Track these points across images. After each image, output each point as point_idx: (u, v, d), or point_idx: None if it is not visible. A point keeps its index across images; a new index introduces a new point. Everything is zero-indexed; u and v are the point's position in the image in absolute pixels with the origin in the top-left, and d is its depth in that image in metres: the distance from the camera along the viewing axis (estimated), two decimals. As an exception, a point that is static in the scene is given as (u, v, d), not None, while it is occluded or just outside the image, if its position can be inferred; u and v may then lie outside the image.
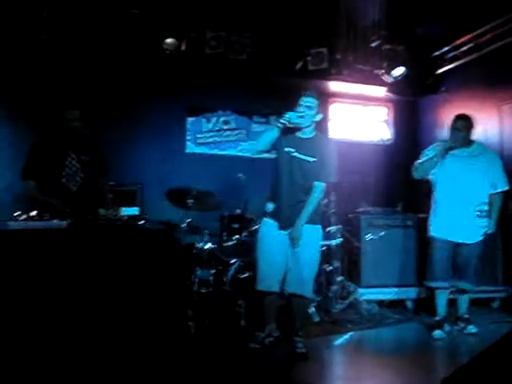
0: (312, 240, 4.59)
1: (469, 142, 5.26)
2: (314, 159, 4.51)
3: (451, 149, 5.21)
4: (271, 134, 4.52)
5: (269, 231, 4.64)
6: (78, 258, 3.62)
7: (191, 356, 4.40)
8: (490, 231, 5.25)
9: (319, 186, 4.53)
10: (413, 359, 4.60)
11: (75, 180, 4.99)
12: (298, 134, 4.59)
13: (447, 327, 5.29)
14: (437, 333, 5.19)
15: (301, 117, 4.46)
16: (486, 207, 5.20)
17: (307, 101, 4.51)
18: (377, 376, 4.22)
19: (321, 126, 7.86)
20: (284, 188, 4.57)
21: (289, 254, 4.55)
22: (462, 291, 5.39)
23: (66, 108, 5.00)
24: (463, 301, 5.43)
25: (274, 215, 4.64)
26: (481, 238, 5.23)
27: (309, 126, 4.57)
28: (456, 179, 5.18)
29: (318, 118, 4.60)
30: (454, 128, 5.21)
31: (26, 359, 3.46)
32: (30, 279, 3.53)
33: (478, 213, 5.16)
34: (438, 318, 5.33)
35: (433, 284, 5.33)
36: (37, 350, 3.51)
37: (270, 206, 4.67)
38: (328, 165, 4.56)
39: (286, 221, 4.55)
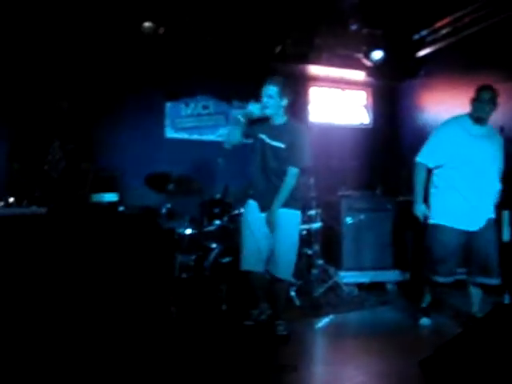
0: (290, 225, 4.62)
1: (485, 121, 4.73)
2: (284, 145, 4.54)
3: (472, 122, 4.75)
4: (237, 128, 4.60)
5: (252, 212, 4.69)
6: (58, 243, 3.60)
7: (172, 340, 4.41)
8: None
9: (292, 171, 4.55)
10: (393, 341, 4.64)
11: (57, 168, 4.96)
12: (270, 121, 4.65)
13: (432, 315, 5.03)
14: (424, 320, 5.00)
15: (264, 107, 4.52)
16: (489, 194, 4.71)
17: (268, 89, 4.55)
18: (357, 358, 4.26)
19: (300, 109, 7.94)
20: (259, 174, 4.65)
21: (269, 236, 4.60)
22: (484, 286, 4.75)
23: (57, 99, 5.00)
24: (478, 296, 4.81)
25: (254, 198, 4.70)
26: (488, 221, 4.69)
27: (277, 113, 4.61)
28: (473, 161, 4.64)
29: (284, 103, 4.61)
30: (482, 100, 4.65)
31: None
32: (8, 265, 3.51)
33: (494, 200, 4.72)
34: (424, 305, 5.07)
35: (440, 279, 4.77)
36: (21, 332, 3.50)
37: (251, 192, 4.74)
38: (298, 150, 4.57)
39: (264, 205, 4.61)
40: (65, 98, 5.04)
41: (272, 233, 4.54)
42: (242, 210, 4.94)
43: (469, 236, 4.68)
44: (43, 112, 5.04)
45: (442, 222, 4.75)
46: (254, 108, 4.52)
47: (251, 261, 4.61)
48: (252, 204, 4.71)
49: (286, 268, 4.62)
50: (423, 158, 4.89)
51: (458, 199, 4.69)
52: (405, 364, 3.90)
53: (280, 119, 4.64)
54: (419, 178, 4.88)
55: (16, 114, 6.09)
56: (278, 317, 4.73)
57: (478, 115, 4.68)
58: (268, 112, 4.55)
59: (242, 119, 4.56)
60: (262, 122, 4.64)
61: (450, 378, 2.72)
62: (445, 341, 3.08)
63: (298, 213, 4.71)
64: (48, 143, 4.95)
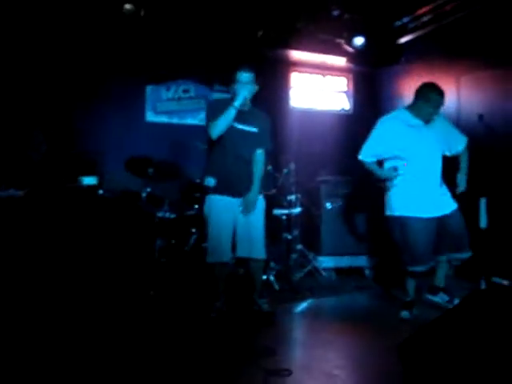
0: (261, 208, 4.77)
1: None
2: (256, 129, 4.66)
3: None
4: (230, 115, 4.47)
5: (215, 207, 4.65)
6: (36, 226, 3.58)
7: (152, 326, 4.42)
8: (462, 190, 4.86)
9: (263, 154, 4.73)
10: (370, 326, 4.70)
11: (39, 151, 4.94)
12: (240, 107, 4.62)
13: (415, 311, 4.90)
14: (404, 313, 4.86)
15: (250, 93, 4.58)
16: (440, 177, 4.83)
17: (246, 76, 4.56)
18: (335, 342, 4.31)
19: (282, 94, 7.95)
20: (230, 161, 4.60)
21: (237, 222, 4.67)
22: (458, 260, 4.98)
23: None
24: (444, 271, 5.06)
25: (221, 189, 4.64)
26: (456, 205, 4.84)
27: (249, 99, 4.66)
28: (416, 151, 4.73)
29: (255, 89, 4.66)
30: (431, 102, 4.68)
31: None
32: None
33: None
34: (408, 299, 4.95)
35: (418, 269, 4.76)
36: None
37: (212, 181, 4.66)
38: (267, 133, 4.76)
39: (237, 191, 4.63)
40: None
41: (248, 213, 4.63)
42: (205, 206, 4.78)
43: (438, 221, 4.74)
44: (24, 98, 4.99)
45: (407, 214, 4.74)
46: (246, 93, 4.49)
47: (220, 253, 4.63)
48: (213, 198, 4.67)
49: (262, 248, 4.73)
50: (363, 155, 5.00)
51: (415, 189, 4.73)
52: (382, 348, 3.95)
53: (248, 105, 4.66)
54: (372, 167, 4.98)
55: None
56: (262, 295, 4.91)
57: (417, 117, 4.78)
58: (247, 98, 4.56)
59: (238, 107, 4.45)
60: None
61: (426, 362, 2.75)
62: (422, 325, 3.11)
63: (262, 197, 4.83)
64: (29, 127, 4.91)
